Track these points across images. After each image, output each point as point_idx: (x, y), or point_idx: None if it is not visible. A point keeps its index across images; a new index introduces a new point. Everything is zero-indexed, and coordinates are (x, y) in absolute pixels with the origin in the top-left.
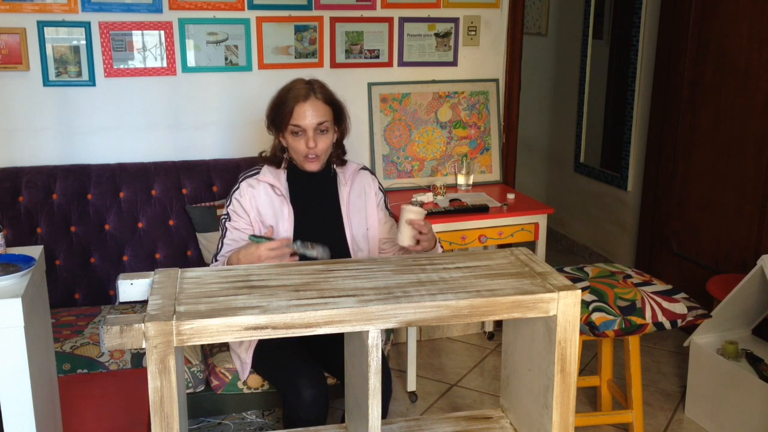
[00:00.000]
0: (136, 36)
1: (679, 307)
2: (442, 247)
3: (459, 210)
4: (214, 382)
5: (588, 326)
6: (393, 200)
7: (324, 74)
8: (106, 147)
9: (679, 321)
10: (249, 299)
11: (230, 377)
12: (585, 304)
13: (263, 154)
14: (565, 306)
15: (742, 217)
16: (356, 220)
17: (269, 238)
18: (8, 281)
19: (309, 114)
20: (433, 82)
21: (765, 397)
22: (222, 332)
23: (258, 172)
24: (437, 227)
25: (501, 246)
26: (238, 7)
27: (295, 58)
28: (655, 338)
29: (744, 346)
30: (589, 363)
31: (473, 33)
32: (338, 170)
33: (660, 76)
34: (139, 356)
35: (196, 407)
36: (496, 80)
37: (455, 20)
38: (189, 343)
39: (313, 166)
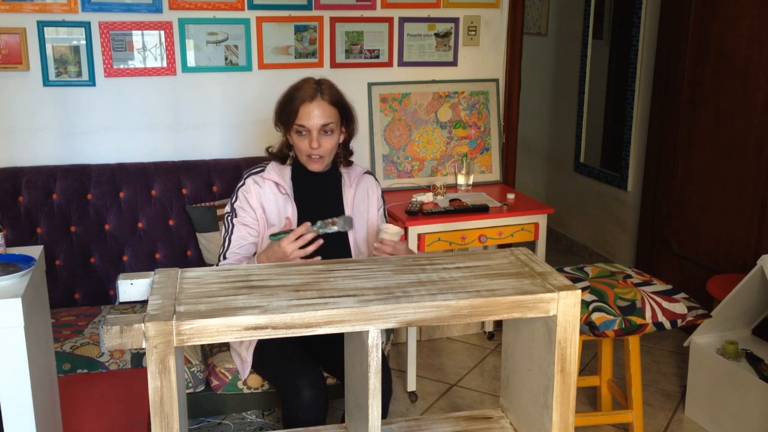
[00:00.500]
0: (136, 36)
1: (679, 307)
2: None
3: (459, 210)
4: (214, 382)
5: (588, 326)
6: (393, 200)
7: (324, 74)
8: (106, 147)
9: (679, 321)
10: (249, 299)
11: (230, 377)
12: (585, 304)
13: (270, 150)
14: (565, 306)
15: (742, 217)
16: (359, 222)
17: (287, 232)
18: (8, 281)
19: (314, 115)
20: (433, 82)
21: (765, 397)
22: (222, 332)
23: (263, 170)
24: (437, 227)
25: (501, 246)
26: (238, 7)
27: (295, 58)
28: (655, 338)
29: (744, 346)
30: (589, 363)
31: (473, 33)
32: (344, 172)
33: (660, 76)
34: (139, 356)
35: (196, 407)
36: (496, 80)
37: (455, 20)
38: (189, 343)
39: (316, 166)
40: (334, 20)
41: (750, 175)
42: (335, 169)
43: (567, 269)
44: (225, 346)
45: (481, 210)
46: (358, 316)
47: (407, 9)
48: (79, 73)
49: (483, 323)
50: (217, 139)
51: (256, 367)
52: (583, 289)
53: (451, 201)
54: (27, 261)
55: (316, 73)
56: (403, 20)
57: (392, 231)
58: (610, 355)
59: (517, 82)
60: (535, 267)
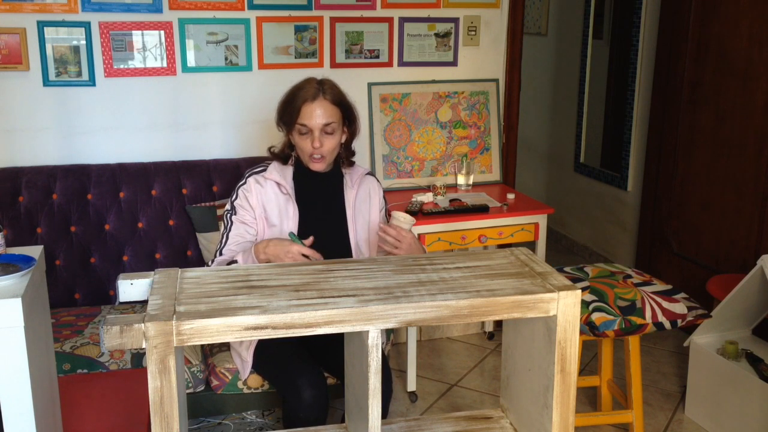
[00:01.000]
0: (136, 36)
1: (679, 307)
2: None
3: (459, 210)
4: (214, 382)
5: (588, 326)
6: (393, 200)
7: (324, 74)
8: (106, 147)
9: (679, 321)
10: (249, 299)
11: (230, 377)
12: (585, 304)
13: (272, 149)
14: (565, 306)
15: (742, 217)
16: (360, 223)
17: (304, 244)
18: (8, 281)
19: (316, 114)
20: (433, 82)
21: (765, 397)
22: (222, 332)
23: (265, 170)
24: (437, 227)
25: (501, 246)
26: (238, 7)
27: (295, 58)
28: (655, 338)
29: (744, 346)
30: (589, 363)
31: (473, 33)
32: (345, 172)
33: (660, 76)
34: (139, 356)
35: (196, 407)
36: (496, 80)
37: (455, 20)
38: (189, 343)
39: (318, 166)
40: (334, 20)
41: (750, 175)
42: (337, 170)
43: (567, 269)
44: (225, 346)
45: (481, 210)
46: (358, 316)
47: (407, 9)
48: (79, 73)
49: (483, 323)
50: (217, 139)
51: (257, 367)
52: (583, 289)
53: (451, 201)
54: (27, 261)
55: (316, 73)
56: (403, 20)
57: (402, 219)
58: (610, 355)
59: (517, 82)
60: (535, 267)
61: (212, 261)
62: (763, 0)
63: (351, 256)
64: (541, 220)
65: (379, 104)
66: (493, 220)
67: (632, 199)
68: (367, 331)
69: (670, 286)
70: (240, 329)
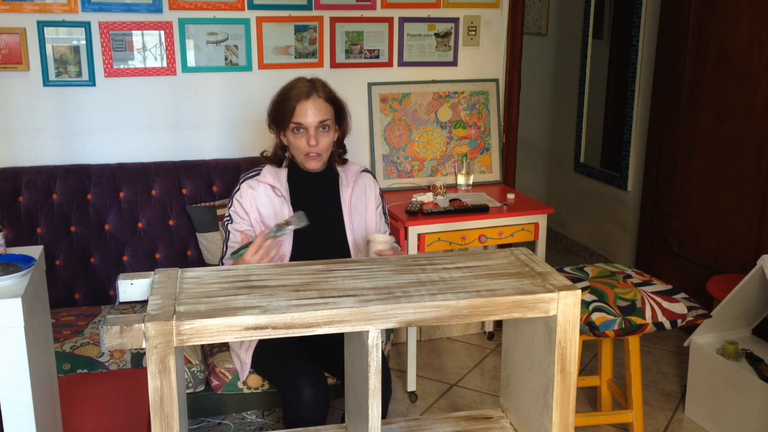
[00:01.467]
0: (136, 36)
1: (679, 307)
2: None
3: (459, 210)
4: (214, 382)
5: (588, 326)
6: (393, 200)
7: (324, 74)
8: (106, 147)
9: (679, 321)
10: (249, 299)
11: (230, 377)
12: (585, 304)
13: (264, 154)
14: (565, 306)
15: (742, 217)
16: (357, 221)
17: (246, 246)
18: (8, 281)
19: (311, 112)
20: (433, 82)
21: (765, 397)
22: (222, 332)
23: (258, 173)
24: (437, 227)
25: (501, 246)
26: (238, 7)
27: (295, 58)
28: (655, 338)
29: (744, 346)
30: (589, 363)
31: (473, 33)
32: (340, 171)
33: (660, 76)
34: (139, 356)
35: (196, 407)
36: (496, 80)
37: (455, 20)
38: (189, 343)
39: (314, 165)
40: (334, 20)
41: (750, 175)
42: (331, 169)
43: (567, 269)
44: (225, 346)
45: (481, 210)
46: (358, 316)
47: (407, 9)
48: (79, 73)
49: (483, 323)
50: (217, 139)
51: (257, 367)
52: (583, 289)
53: (451, 201)
54: (27, 261)
55: (316, 74)
56: (403, 20)
57: (382, 240)
58: (610, 355)
59: (517, 82)
60: (535, 267)
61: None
62: (763, 0)
63: (349, 255)
64: (541, 220)
65: (379, 104)
66: (493, 220)
67: (632, 199)
68: (367, 331)
69: (670, 286)
70: (240, 329)
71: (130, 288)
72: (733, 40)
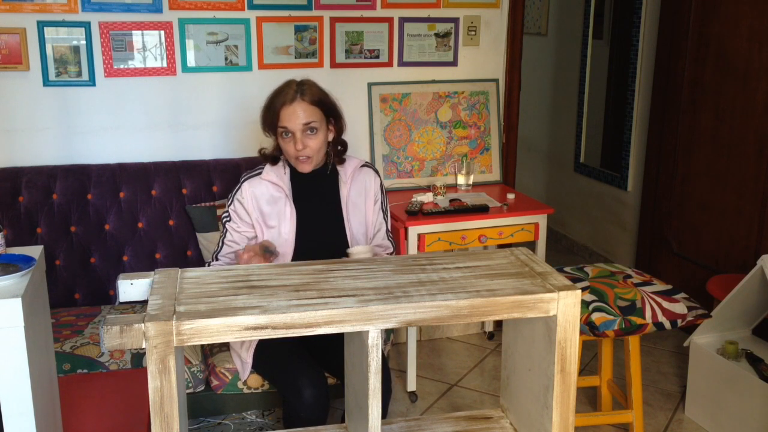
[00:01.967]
0: (136, 36)
1: (679, 307)
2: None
3: (459, 210)
4: (214, 382)
5: (588, 326)
6: (393, 200)
7: (324, 74)
8: (106, 147)
9: (679, 321)
10: (249, 299)
11: (230, 377)
12: (585, 304)
13: (263, 151)
14: (565, 306)
15: (742, 217)
16: (356, 218)
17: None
18: (8, 281)
19: (294, 116)
20: (433, 82)
21: (765, 397)
22: (222, 332)
23: (260, 172)
24: (437, 227)
25: (501, 246)
26: (238, 7)
27: (295, 58)
28: (655, 338)
29: (744, 346)
30: (589, 363)
31: (473, 33)
32: (339, 168)
33: (660, 76)
34: (139, 356)
35: (196, 407)
36: (496, 80)
37: (455, 20)
38: (189, 343)
39: (304, 167)
40: (334, 20)
41: (750, 175)
42: (332, 167)
43: (567, 269)
44: (225, 346)
45: (481, 210)
46: (358, 316)
47: (407, 9)
48: (79, 73)
49: (483, 323)
50: (217, 139)
51: (257, 368)
52: (583, 289)
53: (451, 201)
54: (27, 261)
55: (316, 74)
56: (403, 20)
57: (357, 251)
58: (610, 355)
59: (517, 82)
60: (535, 267)
61: (208, 264)
62: (763, 0)
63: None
64: (541, 220)
65: (379, 104)
66: (493, 220)
67: (632, 199)
68: (367, 331)
69: (670, 286)
70: (240, 329)
71: (130, 288)
72: (733, 40)
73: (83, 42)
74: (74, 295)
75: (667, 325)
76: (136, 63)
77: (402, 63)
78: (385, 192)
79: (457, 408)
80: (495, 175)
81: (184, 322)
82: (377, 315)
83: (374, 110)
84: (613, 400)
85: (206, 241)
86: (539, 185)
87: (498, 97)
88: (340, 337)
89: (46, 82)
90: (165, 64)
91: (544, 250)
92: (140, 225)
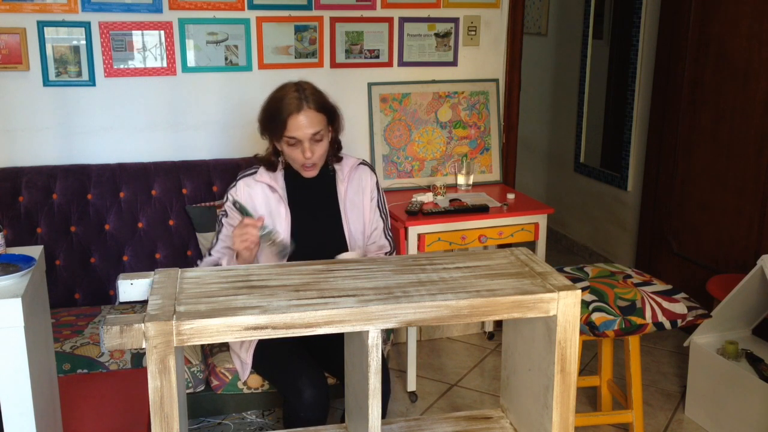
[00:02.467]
0: (136, 36)
1: (679, 307)
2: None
3: (459, 210)
4: (214, 382)
5: (588, 326)
6: (393, 200)
7: (324, 74)
8: (106, 147)
9: (679, 321)
10: (249, 299)
11: (230, 377)
12: (585, 304)
13: (257, 156)
14: (565, 306)
15: (742, 217)
16: (354, 217)
17: (265, 229)
18: (8, 281)
19: (303, 125)
20: (433, 82)
21: (765, 397)
22: (222, 332)
23: (255, 172)
24: (437, 227)
25: (501, 246)
26: (238, 7)
27: (295, 58)
28: (655, 338)
29: (744, 346)
30: (589, 363)
31: (473, 33)
32: (336, 167)
33: (660, 76)
34: (139, 356)
35: (196, 407)
36: (496, 80)
37: (455, 20)
38: (189, 343)
39: (311, 174)
40: (334, 20)
41: (750, 175)
42: (327, 166)
43: (567, 269)
44: (225, 346)
45: (481, 210)
46: (358, 316)
47: (407, 9)
48: (79, 73)
49: (483, 323)
50: (217, 139)
51: (257, 368)
52: (583, 289)
53: (451, 201)
54: (27, 261)
55: (316, 74)
56: (403, 20)
57: (345, 258)
58: (610, 355)
59: (517, 82)
60: (535, 267)
61: (200, 260)
62: (763, 0)
63: (346, 248)
64: (541, 220)
65: (379, 104)
66: (493, 220)
67: (632, 199)
68: (367, 331)
69: (670, 286)
70: (240, 329)
71: (130, 288)
72: (733, 40)
73: (83, 42)
74: (74, 295)
75: (667, 325)
76: (136, 63)
77: (402, 63)
78: (382, 190)
79: (457, 408)
80: (495, 175)
81: (184, 322)
82: (377, 315)
83: (374, 110)
84: (613, 400)
85: (206, 241)
86: (539, 185)
87: (498, 97)
88: (340, 337)
89: (46, 82)
90: (165, 64)
91: (544, 250)
92: (140, 225)
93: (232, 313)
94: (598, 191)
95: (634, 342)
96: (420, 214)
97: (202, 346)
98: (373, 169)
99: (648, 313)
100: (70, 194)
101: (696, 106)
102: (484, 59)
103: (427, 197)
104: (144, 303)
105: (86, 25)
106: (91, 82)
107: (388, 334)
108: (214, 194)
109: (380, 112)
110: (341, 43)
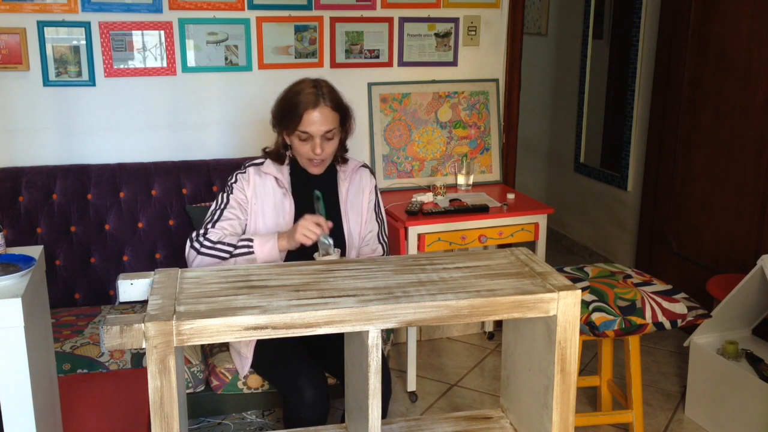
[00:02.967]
0: (136, 36)
1: (679, 307)
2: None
3: (459, 210)
4: (214, 382)
5: (588, 326)
6: (393, 200)
7: (324, 74)
8: (106, 147)
9: (679, 321)
10: (249, 299)
11: (230, 377)
12: (585, 304)
13: (266, 150)
14: (565, 306)
15: (742, 217)
16: (353, 217)
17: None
18: (8, 281)
19: (318, 121)
20: (433, 82)
21: (765, 397)
22: (222, 332)
23: (262, 163)
24: (437, 227)
25: (501, 246)
26: (238, 7)
27: (295, 58)
28: (655, 338)
29: (744, 346)
30: (589, 363)
31: (473, 33)
32: (339, 167)
33: (660, 76)
34: (139, 356)
35: (196, 407)
36: (496, 80)
37: (455, 20)
38: (189, 343)
39: (317, 170)
40: (334, 20)
41: (750, 175)
42: (331, 166)
43: (567, 269)
44: (225, 346)
45: (481, 210)
46: (358, 316)
47: (407, 9)
48: (79, 73)
49: (483, 323)
50: (217, 139)
51: (257, 367)
52: (583, 289)
53: (451, 201)
54: (27, 261)
55: (316, 74)
56: (403, 20)
57: (330, 254)
58: (610, 355)
59: (517, 82)
60: (535, 267)
61: (200, 235)
62: (763, 0)
63: (344, 247)
64: (541, 220)
65: (379, 104)
66: (493, 220)
67: (632, 199)
68: (367, 331)
69: (670, 286)
70: (240, 329)
71: (130, 288)
72: (733, 40)
73: (83, 42)
74: (74, 295)
75: (667, 325)
76: (136, 63)
77: (402, 63)
78: (380, 194)
79: (457, 408)
80: (495, 175)
81: (184, 322)
82: (377, 315)
83: (374, 110)
84: (613, 400)
85: None
86: (539, 185)
87: (498, 97)
88: (340, 337)
89: (46, 82)
90: (165, 64)
91: (544, 250)
92: (140, 225)
93: (232, 313)
94: (598, 191)
95: (634, 342)
96: (420, 214)
97: (202, 346)
98: (373, 172)
99: (648, 313)
100: (70, 194)
101: (696, 106)
102: (484, 59)
103: (427, 197)
104: (144, 303)
105: (86, 25)
106: (91, 82)
107: (388, 334)
108: (214, 194)
109: (380, 112)
110: (341, 43)
